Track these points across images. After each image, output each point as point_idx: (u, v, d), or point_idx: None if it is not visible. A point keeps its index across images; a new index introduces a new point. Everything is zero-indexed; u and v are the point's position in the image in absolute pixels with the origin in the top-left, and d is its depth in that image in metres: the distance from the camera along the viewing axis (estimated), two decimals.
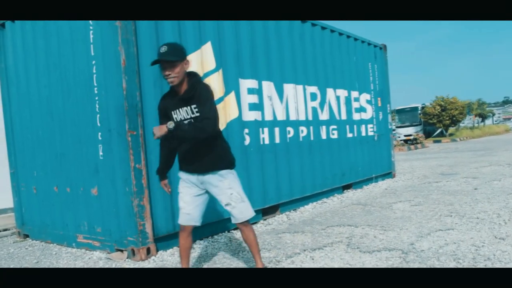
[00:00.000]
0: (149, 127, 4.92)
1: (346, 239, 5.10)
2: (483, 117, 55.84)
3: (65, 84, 5.43)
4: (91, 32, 4.94)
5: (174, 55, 3.38)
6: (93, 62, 4.98)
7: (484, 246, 4.41)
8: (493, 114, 74.16)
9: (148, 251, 4.83)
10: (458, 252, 4.28)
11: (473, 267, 3.82)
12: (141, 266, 4.59)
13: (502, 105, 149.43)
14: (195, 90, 3.46)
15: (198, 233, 5.52)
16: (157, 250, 4.99)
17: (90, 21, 4.90)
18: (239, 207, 3.63)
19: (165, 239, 5.09)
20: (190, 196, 3.69)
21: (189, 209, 3.68)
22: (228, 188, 3.61)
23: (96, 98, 5.01)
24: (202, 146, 3.52)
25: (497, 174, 9.98)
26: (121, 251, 4.95)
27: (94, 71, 4.98)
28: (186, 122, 3.47)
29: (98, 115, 5.02)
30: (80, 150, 5.33)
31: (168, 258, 4.82)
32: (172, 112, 3.55)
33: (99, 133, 5.04)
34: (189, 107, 3.47)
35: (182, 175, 3.72)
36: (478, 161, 13.90)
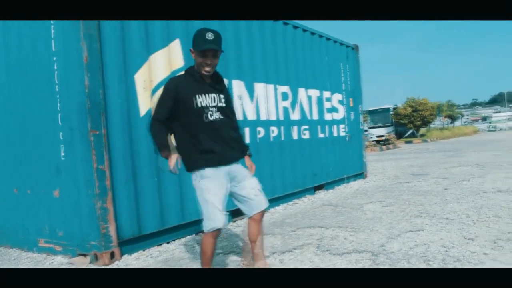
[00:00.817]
0: (113, 126, 4.75)
1: (317, 241, 5.01)
2: (453, 118, 56.88)
3: (25, 82, 5.20)
4: (52, 26, 4.74)
5: (220, 45, 3.32)
6: (54, 58, 4.78)
7: (454, 247, 4.39)
8: (462, 116, 75.70)
9: (112, 255, 4.64)
10: (428, 253, 4.24)
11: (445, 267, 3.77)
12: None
13: (471, 107, 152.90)
14: (225, 85, 3.61)
15: (165, 237, 5.38)
16: (122, 254, 4.80)
17: None
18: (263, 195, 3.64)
19: (130, 243, 4.91)
20: (223, 195, 3.36)
21: (223, 210, 3.33)
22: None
23: (58, 96, 4.81)
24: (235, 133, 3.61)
25: (466, 175, 10.08)
26: (84, 255, 4.75)
27: (56, 67, 4.78)
28: (211, 108, 3.35)
29: (59, 114, 4.82)
30: (41, 150, 5.11)
31: (133, 263, 4.64)
32: (197, 96, 3.30)
33: (61, 133, 4.83)
34: (218, 95, 3.41)
35: (210, 173, 3.33)
36: (448, 161, 14.07)
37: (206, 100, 3.33)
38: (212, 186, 3.30)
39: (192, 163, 3.38)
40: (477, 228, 5.04)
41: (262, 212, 3.62)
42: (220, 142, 3.37)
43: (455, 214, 5.83)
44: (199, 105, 3.30)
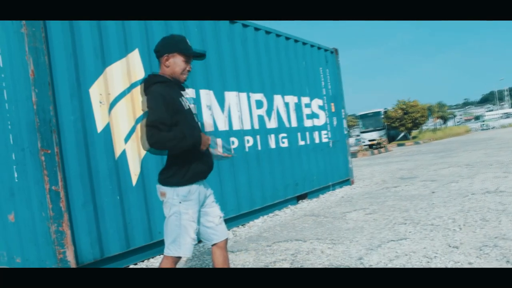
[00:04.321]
0: (67, 144, 4.48)
1: (291, 256, 4.73)
2: (445, 119, 56.82)
3: None
4: None
5: None
6: (2, 75, 4.48)
7: (437, 257, 4.12)
8: (454, 116, 75.73)
9: None
10: (408, 265, 3.98)
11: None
12: None
13: (463, 107, 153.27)
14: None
15: (132, 258, 5.09)
16: None
17: None
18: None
19: (92, 267, 4.61)
20: (197, 222, 3.04)
21: (195, 240, 3.02)
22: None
23: (8, 114, 4.51)
24: None
25: (455, 176, 9.84)
26: None
27: (4, 84, 4.49)
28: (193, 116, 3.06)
29: (10, 134, 4.52)
30: None
31: None
32: (181, 99, 2.91)
33: (13, 153, 4.52)
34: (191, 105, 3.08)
35: (194, 190, 2.98)
36: (438, 163, 13.83)
37: (186, 102, 2.98)
38: (192, 211, 2.95)
39: (187, 175, 2.94)
40: (462, 234, 4.78)
41: (226, 239, 3.20)
42: (207, 151, 3.07)
43: (441, 220, 5.57)
44: (187, 107, 2.96)
